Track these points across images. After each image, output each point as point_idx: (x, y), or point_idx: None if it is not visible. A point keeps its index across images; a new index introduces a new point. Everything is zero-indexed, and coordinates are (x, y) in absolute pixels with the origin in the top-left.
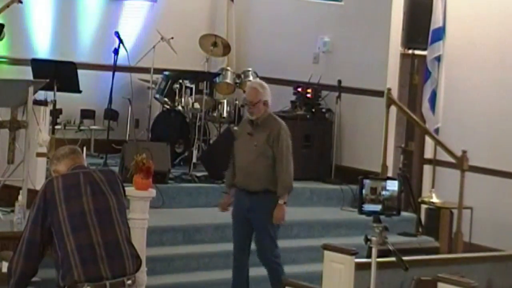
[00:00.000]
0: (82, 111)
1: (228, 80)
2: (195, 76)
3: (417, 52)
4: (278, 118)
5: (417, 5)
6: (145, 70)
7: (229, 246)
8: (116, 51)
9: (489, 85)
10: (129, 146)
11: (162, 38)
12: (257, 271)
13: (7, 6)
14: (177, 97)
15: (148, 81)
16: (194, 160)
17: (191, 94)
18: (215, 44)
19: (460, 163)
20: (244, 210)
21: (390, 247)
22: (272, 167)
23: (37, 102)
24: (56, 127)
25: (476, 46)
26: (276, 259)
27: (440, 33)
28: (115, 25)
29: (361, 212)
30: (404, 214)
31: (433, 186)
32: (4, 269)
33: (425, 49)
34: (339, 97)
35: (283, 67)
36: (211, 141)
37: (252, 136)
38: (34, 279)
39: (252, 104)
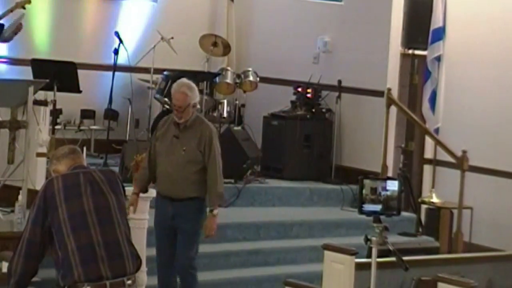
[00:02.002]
0: (82, 111)
1: (228, 80)
2: (195, 76)
3: (417, 52)
4: (206, 120)
5: (417, 5)
6: (145, 70)
7: (229, 246)
8: (116, 51)
9: (489, 85)
10: (129, 146)
11: (162, 38)
12: (258, 271)
13: (11, 10)
14: None
15: (148, 81)
16: None
17: None
18: (215, 44)
19: (460, 163)
20: (168, 218)
21: (390, 247)
22: (200, 173)
23: (37, 102)
24: (56, 127)
25: (476, 46)
26: (193, 271)
27: (440, 33)
28: (115, 25)
29: (361, 212)
30: (404, 214)
31: (433, 186)
32: (4, 269)
33: (425, 49)
34: (339, 97)
35: (283, 67)
36: None
37: (178, 139)
38: (34, 279)
39: (182, 110)
